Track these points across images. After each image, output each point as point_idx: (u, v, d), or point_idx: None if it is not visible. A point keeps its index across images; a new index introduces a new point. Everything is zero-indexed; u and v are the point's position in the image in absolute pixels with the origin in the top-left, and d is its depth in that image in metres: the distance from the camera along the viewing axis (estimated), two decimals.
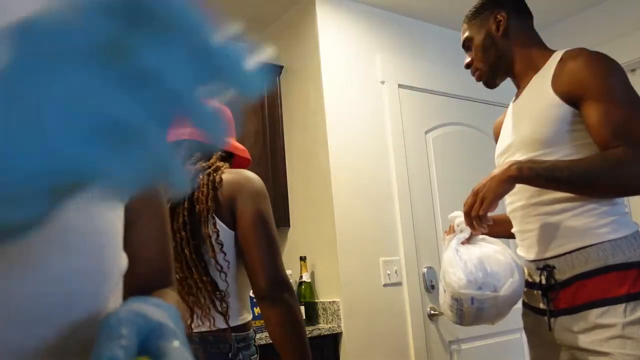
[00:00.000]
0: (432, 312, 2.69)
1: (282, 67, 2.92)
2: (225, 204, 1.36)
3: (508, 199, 1.41)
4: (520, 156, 1.34)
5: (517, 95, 1.46)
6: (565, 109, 1.26)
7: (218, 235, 1.34)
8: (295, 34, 2.88)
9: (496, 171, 1.27)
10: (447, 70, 3.11)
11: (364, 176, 2.66)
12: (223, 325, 1.34)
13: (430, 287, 2.72)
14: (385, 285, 2.59)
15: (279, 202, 2.77)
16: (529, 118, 1.34)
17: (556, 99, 1.27)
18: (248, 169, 1.52)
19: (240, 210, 1.35)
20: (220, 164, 1.44)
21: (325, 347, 2.40)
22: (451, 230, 1.49)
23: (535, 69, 1.38)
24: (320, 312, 2.56)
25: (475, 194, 1.28)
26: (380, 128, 2.78)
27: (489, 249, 1.41)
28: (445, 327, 2.71)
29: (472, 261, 1.35)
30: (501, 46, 1.42)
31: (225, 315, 1.33)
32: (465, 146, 3.09)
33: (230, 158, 1.54)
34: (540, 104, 1.31)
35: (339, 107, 2.67)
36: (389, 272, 2.61)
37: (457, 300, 1.34)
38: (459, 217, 1.44)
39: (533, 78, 1.38)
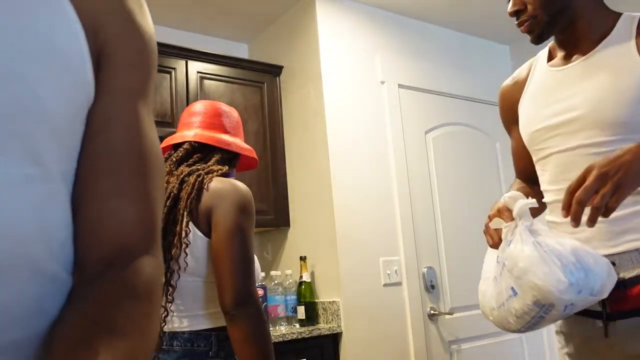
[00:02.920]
0: (432, 312, 2.69)
1: (282, 67, 2.92)
2: (203, 211, 1.35)
3: (554, 186, 1.22)
4: (588, 138, 1.16)
5: (568, 59, 1.25)
6: None
7: (187, 235, 1.33)
8: (295, 34, 2.88)
9: (635, 149, 0.96)
10: (447, 70, 3.11)
11: (364, 176, 2.66)
12: (203, 326, 1.36)
13: (430, 287, 2.72)
14: (385, 285, 2.59)
15: (279, 202, 2.77)
16: (615, 94, 1.12)
17: None
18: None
19: (216, 220, 1.33)
20: (216, 167, 1.42)
21: (325, 347, 2.40)
22: (507, 217, 1.14)
23: (601, 31, 1.20)
24: (320, 312, 2.55)
25: (604, 176, 0.93)
26: (380, 128, 2.78)
27: (569, 240, 1.10)
28: (445, 327, 2.71)
29: (567, 258, 1.03)
30: None
31: (161, 320, 1.33)
32: (465, 146, 3.09)
33: (235, 159, 1.52)
34: (628, 79, 1.12)
35: (339, 107, 2.67)
36: (389, 272, 2.61)
37: (543, 307, 1.04)
38: (520, 199, 1.12)
39: (603, 43, 1.19)
